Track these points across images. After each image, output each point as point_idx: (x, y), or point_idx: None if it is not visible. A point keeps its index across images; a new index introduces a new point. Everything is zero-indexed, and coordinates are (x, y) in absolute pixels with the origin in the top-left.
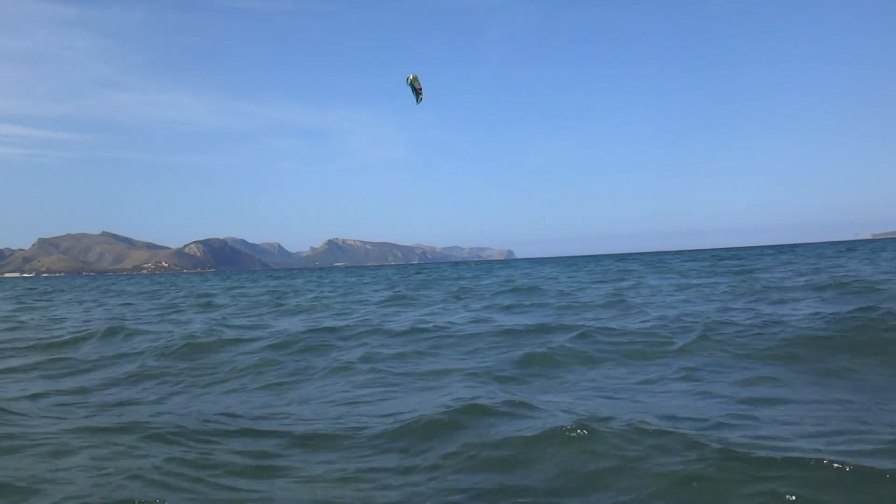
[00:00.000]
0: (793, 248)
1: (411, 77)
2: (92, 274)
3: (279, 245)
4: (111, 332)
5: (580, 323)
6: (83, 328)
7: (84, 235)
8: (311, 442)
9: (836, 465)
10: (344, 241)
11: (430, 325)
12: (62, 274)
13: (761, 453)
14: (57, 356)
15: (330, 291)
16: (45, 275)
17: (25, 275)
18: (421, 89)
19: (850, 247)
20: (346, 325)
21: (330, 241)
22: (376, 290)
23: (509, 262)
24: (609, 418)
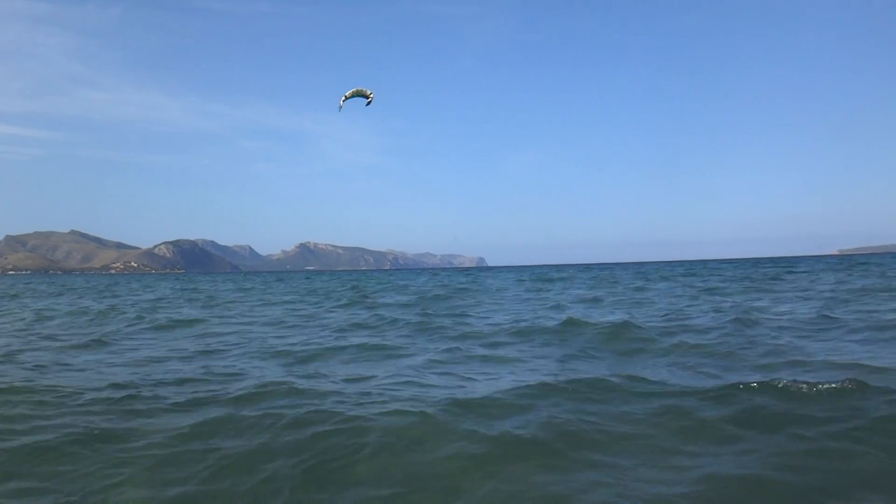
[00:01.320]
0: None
1: (349, 94)
2: (59, 273)
3: (250, 248)
4: None
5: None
6: None
7: (52, 234)
8: None
9: None
10: (316, 244)
11: None
12: (28, 272)
13: None
14: None
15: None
16: (10, 272)
17: None
18: (370, 94)
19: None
20: None
21: (302, 244)
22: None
23: (466, 270)
24: None
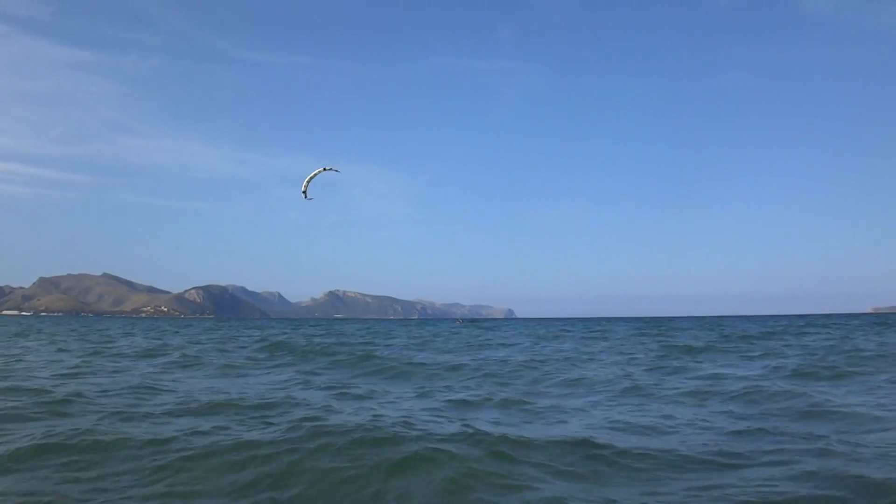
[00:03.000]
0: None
1: (307, 181)
2: (90, 315)
3: (279, 294)
4: None
5: None
6: None
7: (85, 276)
8: None
9: None
10: (344, 292)
11: None
12: (60, 314)
13: None
14: None
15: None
16: (43, 314)
17: (24, 313)
18: (333, 169)
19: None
20: None
21: (331, 292)
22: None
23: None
24: None
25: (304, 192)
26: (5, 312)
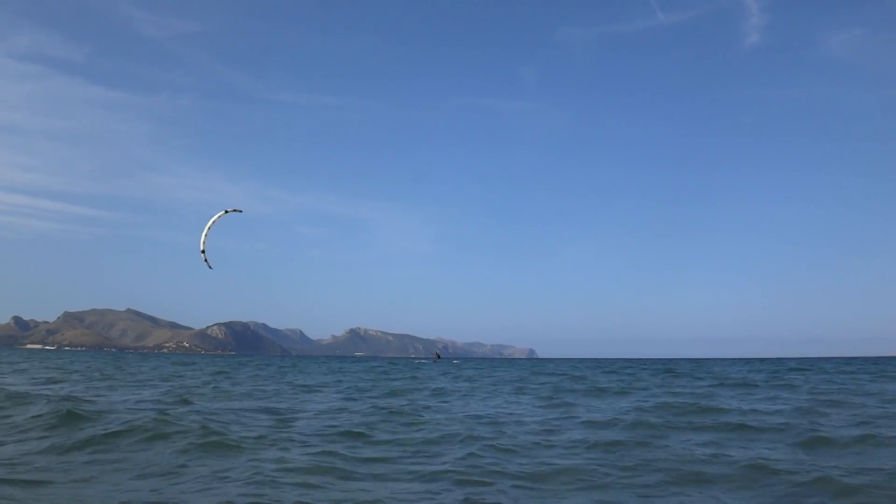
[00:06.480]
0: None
1: (207, 230)
2: (113, 350)
3: (301, 331)
4: None
5: None
6: None
7: (109, 311)
8: None
9: None
10: (366, 330)
11: None
12: (83, 348)
13: None
14: None
15: None
16: (66, 348)
17: (47, 347)
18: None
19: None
20: None
21: (352, 329)
22: None
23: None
24: None
25: (203, 252)
26: (29, 346)
